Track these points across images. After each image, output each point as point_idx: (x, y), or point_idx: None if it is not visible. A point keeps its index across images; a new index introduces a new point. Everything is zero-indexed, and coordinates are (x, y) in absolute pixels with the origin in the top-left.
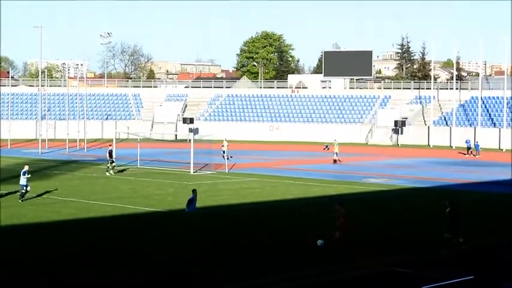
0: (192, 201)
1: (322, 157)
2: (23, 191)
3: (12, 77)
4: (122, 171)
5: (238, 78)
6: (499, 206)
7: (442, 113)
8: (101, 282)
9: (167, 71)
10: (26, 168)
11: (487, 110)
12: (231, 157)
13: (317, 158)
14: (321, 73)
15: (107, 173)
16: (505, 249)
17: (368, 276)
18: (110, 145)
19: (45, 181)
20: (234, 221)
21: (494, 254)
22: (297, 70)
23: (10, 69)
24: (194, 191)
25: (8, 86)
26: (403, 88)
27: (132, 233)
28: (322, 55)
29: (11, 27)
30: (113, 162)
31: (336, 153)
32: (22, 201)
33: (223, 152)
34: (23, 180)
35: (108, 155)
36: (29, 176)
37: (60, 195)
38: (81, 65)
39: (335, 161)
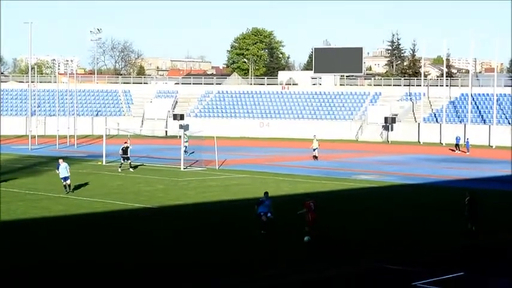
0: (262, 203)
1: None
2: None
3: (2, 73)
4: (135, 167)
5: (229, 75)
6: (489, 203)
7: (432, 109)
8: (92, 278)
9: (157, 68)
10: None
11: (477, 107)
12: (192, 153)
13: (307, 155)
14: (311, 70)
15: (119, 169)
16: (496, 246)
17: (359, 273)
18: (125, 142)
19: (35, 177)
20: (223, 218)
21: (485, 250)
22: (287, 67)
23: (0, 65)
24: (266, 193)
25: None
26: (394, 85)
27: (122, 228)
28: (312, 52)
29: (1, 23)
30: (128, 159)
31: (315, 149)
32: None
33: (185, 147)
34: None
35: (122, 151)
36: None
37: (50, 191)
38: (71, 61)
39: (315, 157)
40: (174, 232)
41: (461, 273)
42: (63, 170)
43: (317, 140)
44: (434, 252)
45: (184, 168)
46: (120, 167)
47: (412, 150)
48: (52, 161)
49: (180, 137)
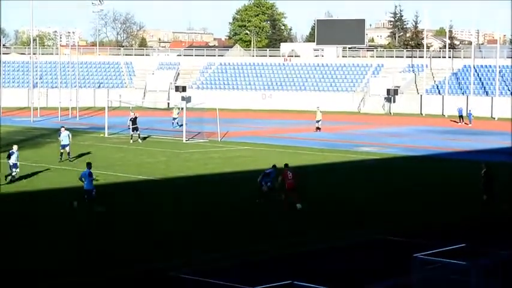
0: (268, 175)
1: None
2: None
3: (3, 45)
4: (144, 138)
5: (231, 47)
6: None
7: (434, 81)
8: (98, 250)
9: (159, 39)
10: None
11: (480, 79)
12: (181, 125)
13: (309, 127)
14: (314, 41)
15: (131, 141)
16: (499, 219)
17: (359, 245)
18: (134, 113)
19: (36, 149)
20: (227, 188)
21: (489, 222)
22: (289, 38)
23: (1, 37)
24: (274, 166)
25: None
26: (396, 57)
27: (124, 200)
28: (314, 23)
29: None
30: (137, 129)
31: (318, 120)
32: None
33: (174, 119)
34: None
35: (130, 123)
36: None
37: (51, 163)
38: (73, 33)
39: (318, 128)
40: (174, 203)
41: (463, 245)
42: (65, 137)
43: (320, 112)
44: (436, 223)
45: (186, 140)
46: (131, 138)
47: (414, 122)
48: (54, 133)
49: (182, 108)
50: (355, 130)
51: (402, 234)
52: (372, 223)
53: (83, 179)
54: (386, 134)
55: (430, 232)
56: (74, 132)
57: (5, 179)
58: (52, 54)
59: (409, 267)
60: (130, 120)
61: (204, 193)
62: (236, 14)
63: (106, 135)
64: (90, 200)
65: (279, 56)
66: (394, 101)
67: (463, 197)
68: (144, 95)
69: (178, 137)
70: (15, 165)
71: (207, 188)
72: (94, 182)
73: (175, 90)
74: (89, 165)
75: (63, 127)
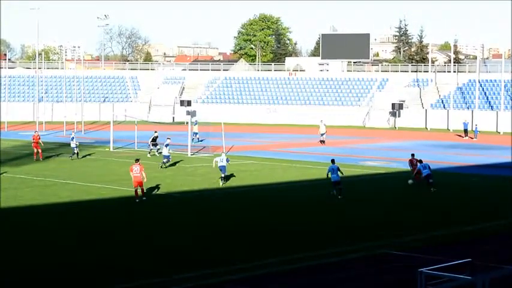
0: (335, 171)
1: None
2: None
3: (9, 59)
4: (160, 153)
5: (236, 61)
6: (498, 188)
7: (439, 95)
8: (100, 263)
9: (164, 54)
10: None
11: (485, 93)
12: (201, 141)
13: (314, 141)
14: (319, 56)
15: (149, 155)
16: (504, 232)
17: (364, 259)
18: (155, 131)
19: (43, 163)
20: (233, 204)
21: (493, 237)
22: (294, 53)
23: (7, 51)
24: (333, 160)
25: (5, 68)
26: (401, 71)
27: (130, 214)
28: (319, 38)
29: (7, 9)
30: (156, 145)
31: (322, 134)
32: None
33: (195, 134)
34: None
35: (151, 140)
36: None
37: (57, 177)
38: (78, 47)
39: (322, 141)
40: (179, 217)
41: (469, 260)
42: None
43: (325, 125)
44: (441, 237)
45: (191, 155)
46: (150, 152)
47: (419, 137)
48: (60, 148)
49: (186, 123)
50: (360, 144)
51: (407, 249)
52: (375, 237)
53: (329, 174)
54: (391, 148)
55: (436, 246)
56: (80, 146)
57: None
58: (57, 68)
59: (415, 283)
60: (152, 138)
61: (210, 207)
62: (241, 28)
63: (111, 149)
64: (339, 189)
65: (284, 70)
66: (399, 116)
67: (470, 211)
68: (149, 110)
69: (183, 152)
70: (167, 157)
71: (212, 202)
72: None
73: (181, 105)
74: (333, 161)
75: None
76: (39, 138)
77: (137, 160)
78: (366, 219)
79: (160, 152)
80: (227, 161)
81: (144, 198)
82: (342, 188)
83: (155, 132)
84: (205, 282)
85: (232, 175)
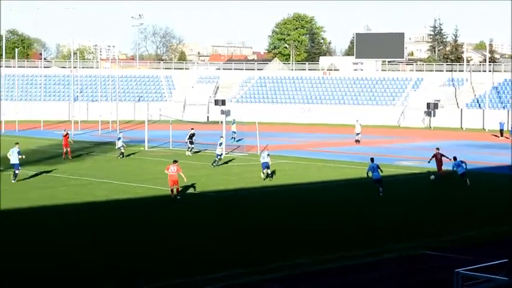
0: (375, 169)
1: (353, 139)
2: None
3: (44, 59)
4: (197, 152)
5: (270, 60)
6: None
7: (475, 95)
8: (129, 262)
9: (199, 53)
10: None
11: None
12: (238, 140)
13: (349, 140)
14: (353, 55)
15: (189, 153)
16: None
17: (398, 260)
18: (192, 128)
19: (78, 162)
20: (268, 203)
21: None
22: (328, 52)
23: (43, 51)
24: (372, 159)
25: (41, 67)
26: (436, 70)
27: (165, 213)
28: (353, 37)
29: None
30: (192, 143)
31: (358, 133)
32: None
33: (233, 132)
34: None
35: (188, 137)
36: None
37: (93, 176)
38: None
39: (357, 141)
40: (214, 216)
41: (506, 260)
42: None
43: (360, 125)
44: (475, 238)
45: (226, 154)
46: (189, 150)
47: (454, 136)
48: (95, 147)
49: (221, 122)
50: (395, 144)
51: (443, 249)
52: (410, 237)
53: (369, 172)
54: (426, 148)
55: (472, 246)
56: (114, 145)
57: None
58: (92, 67)
59: (450, 283)
60: (189, 135)
61: (244, 206)
62: (275, 27)
63: (146, 148)
64: (380, 185)
65: (318, 69)
66: (434, 115)
67: (500, 211)
68: (184, 109)
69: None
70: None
71: (247, 202)
72: None
73: (215, 104)
74: (372, 159)
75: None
76: (69, 137)
77: (175, 161)
78: (399, 219)
79: (196, 151)
80: (268, 156)
81: (179, 197)
82: (383, 186)
83: (191, 129)
84: (236, 282)
85: (273, 172)
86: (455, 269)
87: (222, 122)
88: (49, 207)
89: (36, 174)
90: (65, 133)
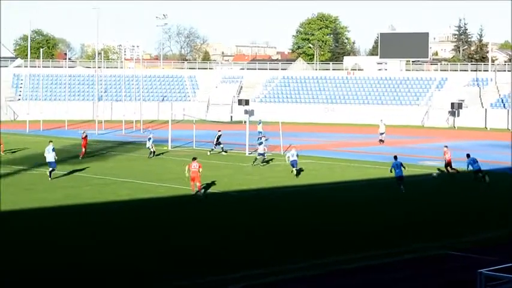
0: (398, 166)
1: (377, 139)
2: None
3: (69, 59)
4: (226, 151)
5: (294, 60)
6: None
7: (499, 95)
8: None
9: (222, 53)
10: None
11: None
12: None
13: (373, 140)
14: (377, 55)
15: (208, 153)
16: None
17: (420, 260)
18: (219, 130)
19: (102, 162)
20: (290, 203)
21: None
22: (352, 52)
23: (67, 51)
24: (396, 157)
25: (66, 67)
26: (460, 70)
27: (188, 212)
28: (377, 37)
29: (68, 9)
30: (220, 144)
31: (382, 133)
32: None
33: (259, 133)
34: (49, 157)
35: (216, 139)
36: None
37: (116, 176)
38: (137, 46)
39: (381, 140)
40: (236, 216)
41: None
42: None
43: (384, 124)
44: (498, 238)
45: (249, 154)
46: (222, 150)
47: (478, 136)
48: (119, 146)
49: (244, 122)
50: (419, 144)
51: (466, 249)
52: (433, 237)
53: (393, 170)
54: (450, 148)
55: (495, 246)
56: (138, 145)
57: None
58: (116, 67)
59: (473, 284)
60: (216, 137)
61: (266, 206)
62: (299, 27)
63: (170, 148)
64: (402, 183)
65: (342, 69)
66: (458, 115)
67: None
68: (208, 109)
69: (241, 151)
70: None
71: (269, 202)
72: None
73: (238, 104)
74: (395, 157)
75: (151, 134)
76: (87, 137)
77: (194, 158)
78: (421, 219)
79: (226, 151)
80: (297, 155)
81: (199, 193)
82: (404, 184)
83: (219, 131)
84: (258, 282)
85: (300, 169)
86: (478, 269)
87: (245, 122)
88: (73, 207)
89: (65, 174)
90: (84, 135)
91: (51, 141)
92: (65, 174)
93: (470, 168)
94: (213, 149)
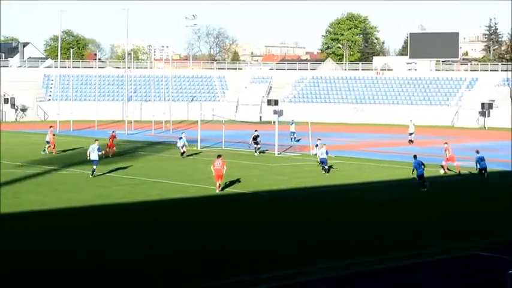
0: (420, 165)
1: (407, 139)
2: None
3: (99, 59)
4: (263, 152)
5: (323, 60)
6: None
7: None
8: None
9: (252, 53)
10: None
11: None
12: (297, 140)
13: (402, 140)
14: (406, 55)
15: (256, 154)
16: None
17: (452, 260)
18: (255, 130)
19: (132, 162)
20: (322, 203)
21: None
22: (382, 52)
23: (97, 51)
24: (415, 156)
25: (95, 68)
26: (491, 70)
27: (218, 213)
28: (407, 37)
29: (98, 10)
30: (257, 143)
31: (411, 133)
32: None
33: (292, 133)
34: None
35: (252, 138)
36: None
37: (146, 176)
38: (167, 47)
39: (410, 141)
40: (266, 216)
41: None
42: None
43: (414, 125)
44: None
45: (278, 154)
46: (256, 151)
47: (509, 137)
48: (148, 146)
49: (274, 122)
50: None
51: (497, 250)
52: (463, 238)
53: (414, 170)
54: (480, 149)
55: None
56: (168, 145)
57: None
58: (146, 68)
59: (504, 285)
60: (252, 137)
61: (296, 207)
62: (329, 27)
63: (199, 148)
64: (423, 181)
65: (372, 69)
66: (488, 115)
67: None
68: (237, 109)
69: (270, 151)
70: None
71: (299, 202)
72: None
73: (268, 104)
74: (415, 156)
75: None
76: (115, 137)
77: (219, 156)
78: (451, 220)
79: (262, 151)
80: (327, 153)
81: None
82: (425, 181)
83: (255, 131)
84: (289, 282)
85: (330, 167)
86: (508, 271)
87: (274, 122)
88: (104, 206)
89: (99, 175)
90: (113, 134)
91: (97, 140)
92: (99, 175)
93: (478, 166)
94: (255, 148)
